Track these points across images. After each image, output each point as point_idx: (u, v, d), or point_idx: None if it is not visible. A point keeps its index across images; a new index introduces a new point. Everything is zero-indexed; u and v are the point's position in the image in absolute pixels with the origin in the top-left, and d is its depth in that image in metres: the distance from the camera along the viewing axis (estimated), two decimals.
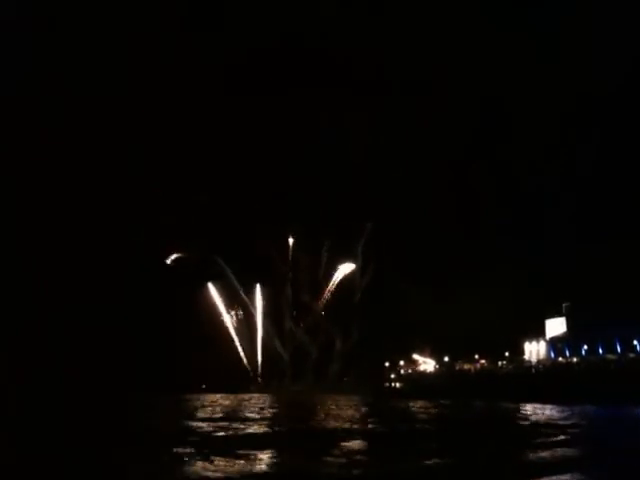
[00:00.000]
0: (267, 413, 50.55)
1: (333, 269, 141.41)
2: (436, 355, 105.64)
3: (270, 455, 23.14)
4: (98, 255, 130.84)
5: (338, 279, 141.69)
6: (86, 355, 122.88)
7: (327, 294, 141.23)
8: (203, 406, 63.54)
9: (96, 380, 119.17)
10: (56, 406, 67.72)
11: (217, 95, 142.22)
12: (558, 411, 50.72)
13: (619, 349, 74.91)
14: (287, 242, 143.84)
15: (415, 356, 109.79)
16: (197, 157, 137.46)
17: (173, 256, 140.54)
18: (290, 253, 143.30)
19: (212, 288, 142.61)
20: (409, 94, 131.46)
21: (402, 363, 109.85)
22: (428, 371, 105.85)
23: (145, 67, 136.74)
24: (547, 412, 50.80)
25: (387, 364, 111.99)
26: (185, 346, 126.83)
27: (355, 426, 37.63)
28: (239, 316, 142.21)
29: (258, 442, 27.02)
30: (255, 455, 22.54)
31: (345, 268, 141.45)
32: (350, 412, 54.23)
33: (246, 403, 71.31)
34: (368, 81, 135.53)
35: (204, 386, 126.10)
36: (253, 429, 34.32)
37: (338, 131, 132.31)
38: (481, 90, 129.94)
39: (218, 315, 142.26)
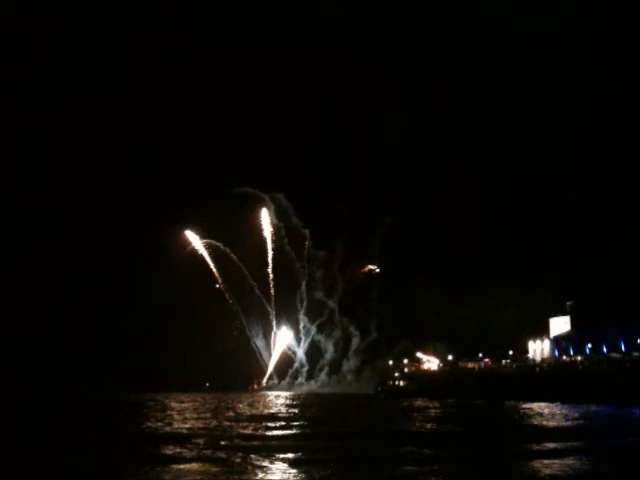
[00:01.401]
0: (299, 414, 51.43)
1: (346, 266, 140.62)
2: (440, 354, 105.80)
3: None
4: (98, 255, 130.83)
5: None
6: (86, 355, 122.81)
7: (355, 278, 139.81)
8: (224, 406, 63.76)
9: (97, 380, 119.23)
10: (55, 407, 67.83)
11: (217, 95, 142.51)
12: (564, 411, 50.98)
13: (623, 348, 75.01)
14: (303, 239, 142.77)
15: (419, 354, 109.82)
16: (197, 157, 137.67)
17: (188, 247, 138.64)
18: (305, 250, 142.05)
19: (190, 233, 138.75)
20: (409, 94, 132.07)
21: (406, 361, 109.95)
22: (432, 370, 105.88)
23: (145, 67, 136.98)
24: (551, 411, 51.18)
25: (391, 362, 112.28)
26: (188, 344, 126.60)
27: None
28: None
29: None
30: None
31: (370, 266, 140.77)
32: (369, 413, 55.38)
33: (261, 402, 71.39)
34: (368, 81, 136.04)
35: (208, 384, 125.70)
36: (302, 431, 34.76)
37: (338, 131, 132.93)
38: (481, 90, 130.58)
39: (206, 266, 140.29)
